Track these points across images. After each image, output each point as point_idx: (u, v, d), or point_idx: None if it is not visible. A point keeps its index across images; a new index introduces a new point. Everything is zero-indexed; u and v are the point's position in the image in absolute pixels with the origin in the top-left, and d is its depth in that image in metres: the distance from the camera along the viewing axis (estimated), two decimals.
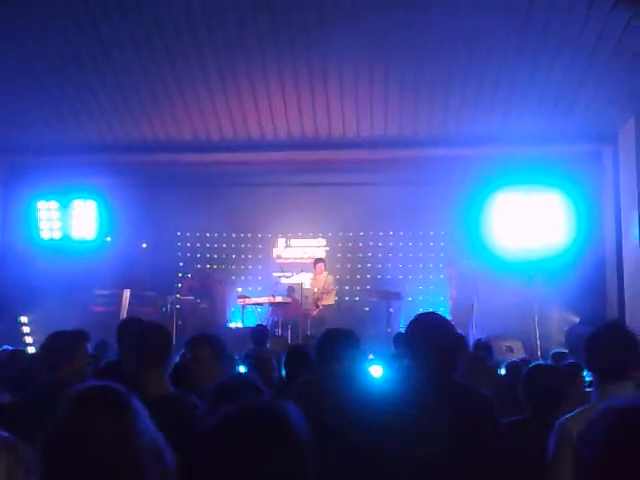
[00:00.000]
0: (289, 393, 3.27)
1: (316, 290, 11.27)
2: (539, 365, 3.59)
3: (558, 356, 5.95)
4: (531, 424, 3.04)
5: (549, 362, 5.10)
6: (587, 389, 3.89)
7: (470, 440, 2.38)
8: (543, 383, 3.25)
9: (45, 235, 12.23)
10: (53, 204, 12.25)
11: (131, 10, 8.50)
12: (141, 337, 3.06)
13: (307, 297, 11.51)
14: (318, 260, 11.57)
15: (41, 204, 12.22)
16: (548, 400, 3.10)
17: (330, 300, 11.23)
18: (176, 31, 8.88)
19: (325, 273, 11.39)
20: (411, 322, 2.72)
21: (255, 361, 4.52)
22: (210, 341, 3.40)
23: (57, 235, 12.26)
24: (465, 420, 2.43)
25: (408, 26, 8.50)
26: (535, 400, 3.20)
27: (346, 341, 3.37)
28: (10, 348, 6.51)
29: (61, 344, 3.43)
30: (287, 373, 4.21)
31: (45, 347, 3.50)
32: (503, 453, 2.53)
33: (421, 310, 11.80)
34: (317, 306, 11.11)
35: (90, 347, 3.68)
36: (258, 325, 8.51)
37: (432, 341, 2.58)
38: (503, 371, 5.11)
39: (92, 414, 1.50)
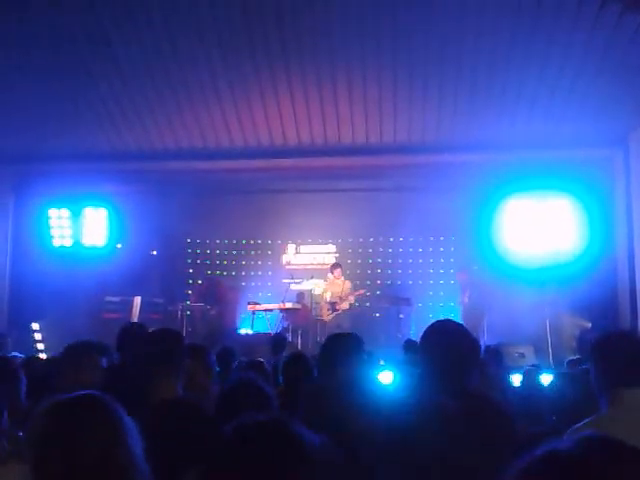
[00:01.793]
0: (292, 401, 3.26)
1: (329, 295, 11.24)
2: (567, 374, 3.54)
3: (574, 363, 5.89)
4: (554, 435, 2.97)
5: (565, 369, 5.05)
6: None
7: (487, 451, 2.32)
8: (572, 391, 3.20)
9: (56, 242, 12.29)
10: (64, 212, 12.32)
11: (140, 18, 8.56)
12: (150, 343, 3.07)
13: (318, 303, 11.48)
14: (337, 265, 11.54)
15: (52, 212, 12.29)
16: (575, 409, 3.05)
17: (346, 305, 11.24)
18: (185, 39, 8.93)
19: (342, 278, 11.40)
20: (427, 329, 2.63)
21: (248, 367, 4.48)
22: (200, 355, 3.41)
23: (68, 242, 12.32)
24: (481, 431, 2.36)
25: (413, 33, 8.50)
26: (562, 409, 3.14)
27: (350, 346, 3.34)
28: (20, 355, 6.53)
29: (69, 354, 3.41)
30: (285, 380, 4.18)
31: (60, 356, 3.45)
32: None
33: (431, 316, 11.84)
34: (335, 310, 11.08)
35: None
36: (277, 333, 8.51)
37: (448, 350, 2.50)
38: (517, 377, 5.05)
39: (75, 423, 1.48)
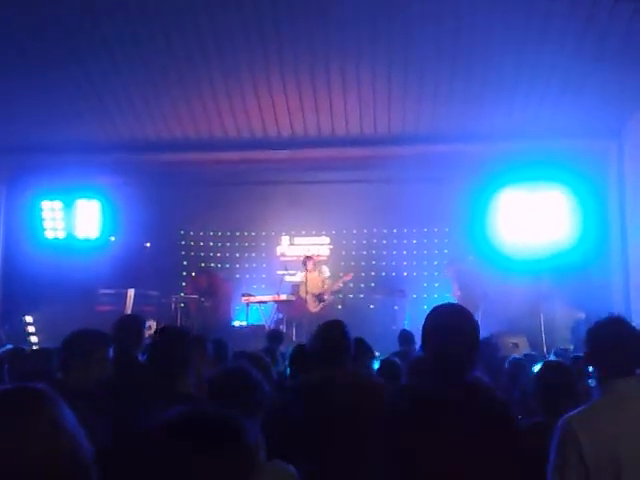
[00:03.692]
0: (291, 391, 3.25)
1: (308, 288, 11.14)
2: (552, 362, 3.53)
3: (562, 353, 5.92)
4: (545, 426, 2.94)
5: (555, 359, 5.05)
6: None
7: (489, 444, 2.28)
8: (557, 380, 3.19)
9: (49, 235, 12.23)
10: (57, 204, 12.25)
11: (134, 10, 8.48)
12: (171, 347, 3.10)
13: (302, 298, 11.29)
14: (308, 257, 11.49)
15: (45, 204, 12.22)
16: (563, 398, 3.04)
17: (334, 289, 11.26)
18: (179, 30, 8.86)
19: (318, 269, 11.37)
20: (429, 314, 2.51)
21: (248, 358, 4.48)
22: (200, 345, 3.42)
23: (61, 235, 12.27)
24: (482, 423, 2.32)
25: (408, 22, 8.47)
26: (549, 399, 3.13)
27: (341, 342, 3.31)
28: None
29: (77, 345, 3.29)
30: (292, 372, 4.18)
31: (63, 346, 3.37)
32: (526, 457, 2.39)
33: (426, 307, 11.82)
34: (323, 300, 11.08)
35: None
36: (273, 329, 8.51)
37: (444, 336, 2.40)
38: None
39: (12, 418, 1.37)
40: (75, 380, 3.16)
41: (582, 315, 10.07)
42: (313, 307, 11.08)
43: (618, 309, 9.79)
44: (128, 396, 3.09)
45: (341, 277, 11.63)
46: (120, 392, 3.20)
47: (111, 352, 3.39)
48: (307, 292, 11.09)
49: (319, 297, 11.12)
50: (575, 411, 2.45)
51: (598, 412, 2.41)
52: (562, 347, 7.00)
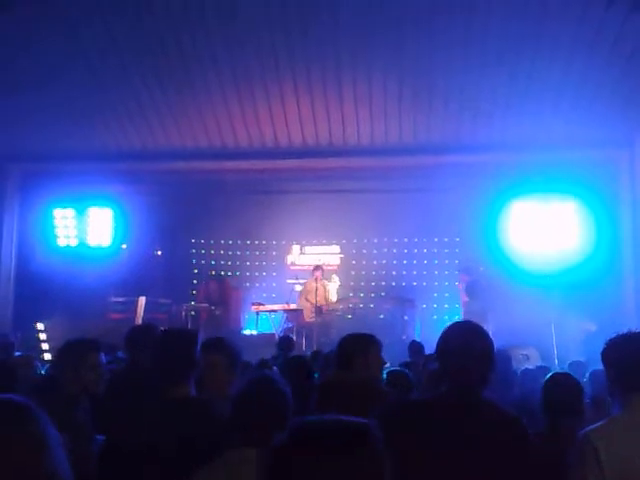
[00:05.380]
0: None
1: (316, 299, 11.15)
2: (558, 374, 3.51)
3: (576, 365, 5.88)
4: (549, 438, 2.93)
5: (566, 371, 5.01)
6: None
7: (500, 463, 2.27)
8: (562, 392, 3.17)
9: (61, 242, 12.31)
10: (69, 211, 12.34)
11: (145, 18, 8.57)
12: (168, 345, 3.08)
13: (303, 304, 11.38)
14: (317, 267, 11.54)
15: (57, 211, 12.31)
16: (568, 410, 3.01)
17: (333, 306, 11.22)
18: (191, 38, 8.94)
19: (324, 282, 11.37)
20: (444, 332, 2.53)
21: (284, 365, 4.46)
22: (224, 348, 3.38)
23: (73, 242, 12.34)
24: (494, 441, 2.31)
25: (419, 32, 8.50)
26: (554, 411, 3.11)
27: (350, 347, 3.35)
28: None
29: (65, 355, 3.39)
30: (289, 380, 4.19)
31: (54, 358, 3.47)
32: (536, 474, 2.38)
33: (435, 317, 11.80)
34: (322, 312, 11.06)
35: None
36: (283, 336, 8.52)
37: (465, 356, 2.41)
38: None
39: None
40: (69, 386, 3.26)
41: (594, 327, 10.00)
42: (308, 317, 11.05)
43: (630, 322, 9.74)
44: (123, 401, 3.15)
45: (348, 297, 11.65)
46: (116, 398, 3.25)
47: (103, 358, 3.48)
48: (307, 300, 11.17)
49: (318, 309, 11.07)
50: (594, 425, 2.44)
51: (616, 427, 2.39)
52: (577, 360, 6.90)
